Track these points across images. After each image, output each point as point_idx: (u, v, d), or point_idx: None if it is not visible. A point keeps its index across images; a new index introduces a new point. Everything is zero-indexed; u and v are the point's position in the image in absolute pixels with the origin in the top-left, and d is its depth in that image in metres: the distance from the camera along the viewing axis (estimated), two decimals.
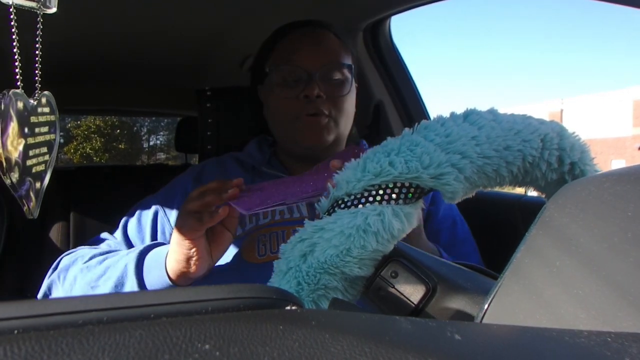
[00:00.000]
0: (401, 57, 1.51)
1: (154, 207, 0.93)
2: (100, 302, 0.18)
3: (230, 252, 0.82)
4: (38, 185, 0.51)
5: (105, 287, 0.78)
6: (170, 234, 0.90)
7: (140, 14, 1.36)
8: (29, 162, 0.49)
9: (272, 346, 0.16)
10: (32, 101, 0.50)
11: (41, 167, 0.52)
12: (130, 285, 0.77)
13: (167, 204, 0.94)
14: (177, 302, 0.19)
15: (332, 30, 0.98)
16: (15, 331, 0.16)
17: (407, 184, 0.43)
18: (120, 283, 0.78)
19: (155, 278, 0.76)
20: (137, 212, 0.94)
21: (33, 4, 0.48)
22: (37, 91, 0.51)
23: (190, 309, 0.19)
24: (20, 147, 0.47)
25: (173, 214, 0.92)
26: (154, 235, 0.91)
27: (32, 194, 0.50)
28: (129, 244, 0.91)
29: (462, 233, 0.95)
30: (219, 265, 0.81)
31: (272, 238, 0.84)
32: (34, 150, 0.50)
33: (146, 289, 0.76)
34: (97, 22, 1.38)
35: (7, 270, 1.32)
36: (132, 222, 0.93)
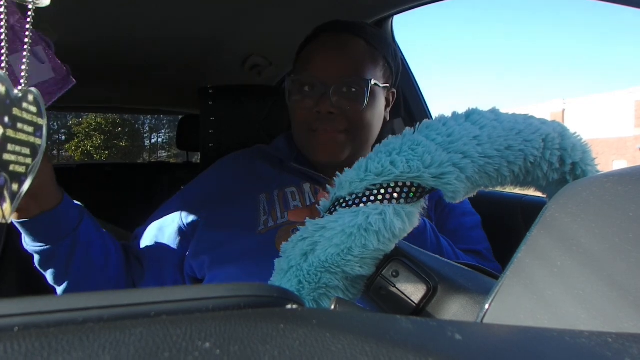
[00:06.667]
0: (403, 56, 1.51)
1: (177, 205, 0.93)
2: (100, 300, 0.18)
3: (264, 243, 0.82)
4: (15, 187, 0.48)
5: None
6: (186, 230, 0.90)
7: (142, 12, 1.36)
8: (6, 157, 0.46)
9: (272, 345, 0.16)
10: (16, 91, 0.47)
11: (21, 169, 0.48)
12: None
13: (190, 200, 0.94)
14: (178, 300, 0.19)
15: (362, 35, 0.91)
16: (16, 328, 0.16)
17: (408, 184, 0.43)
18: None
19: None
20: (162, 211, 0.94)
21: None
22: (23, 81, 0.49)
23: (190, 307, 0.19)
24: None
25: (193, 212, 0.91)
26: (172, 233, 0.91)
27: (6, 194, 0.47)
28: (150, 241, 0.91)
29: (470, 222, 0.94)
30: (251, 255, 0.81)
31: None
32: (13, 146, 0.47)
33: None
34: (100, 21, 1.38)
35: (8, 268, 1.32)
36: (154, 224, 0.93)
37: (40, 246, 0.73)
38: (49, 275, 0.78)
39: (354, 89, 0.86)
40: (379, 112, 0.92)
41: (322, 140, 0.88)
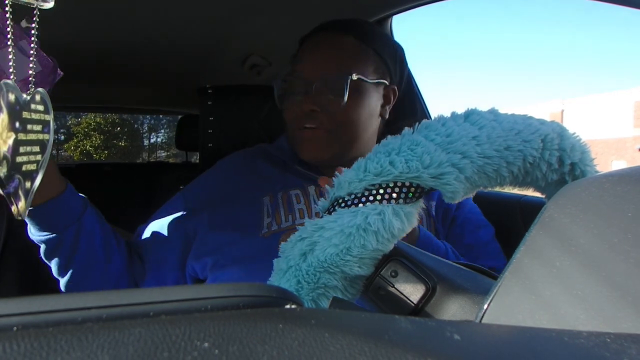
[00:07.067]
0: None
1: (179, 205, 0.94)
2: (99, 300, 0.18)
3: (267, 247, 0.82)
4: (28, 185, 0.49)
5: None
6: (188, 232, 0.90)
7: (142, 12, 1.36)
8: (19, 159, 0.47)
9: (271, 345, 0.16)
10: (25, 95, 0.49)
11: (32, 167, 0.50)
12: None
13: (191, 200, 0.94)
14: (177, 300, 0.19)
15: (351, 31, 0.91)
16: (15, 328, 0.16)
17: (407, 184, 0.43)
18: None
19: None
20: (164, 210, 0.95)
21: None
22: (31, 86, 0.50)
23: (189, 307, 0.19)
24: (10, 141, 0.46)
25: (195, 213, 0.92)
26: (178, 235, 0.91)
27: (21, 193, 0.48)
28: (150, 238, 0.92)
29: (485, 236, 0.93)
30: (254, 258, 0.81)
31: None
32: (25, 147, 0.48)
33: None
34: (99, 21, 1.38)
35: (7, 268, 1.32)
36: (156, 224, 0.93)
37: (46, 235, 0.74)
38: (53, 265, 0.78)
39: (334, 86, 0.85)
40: (368, 109, 0.90)
41: (305, 137, 0.88)
